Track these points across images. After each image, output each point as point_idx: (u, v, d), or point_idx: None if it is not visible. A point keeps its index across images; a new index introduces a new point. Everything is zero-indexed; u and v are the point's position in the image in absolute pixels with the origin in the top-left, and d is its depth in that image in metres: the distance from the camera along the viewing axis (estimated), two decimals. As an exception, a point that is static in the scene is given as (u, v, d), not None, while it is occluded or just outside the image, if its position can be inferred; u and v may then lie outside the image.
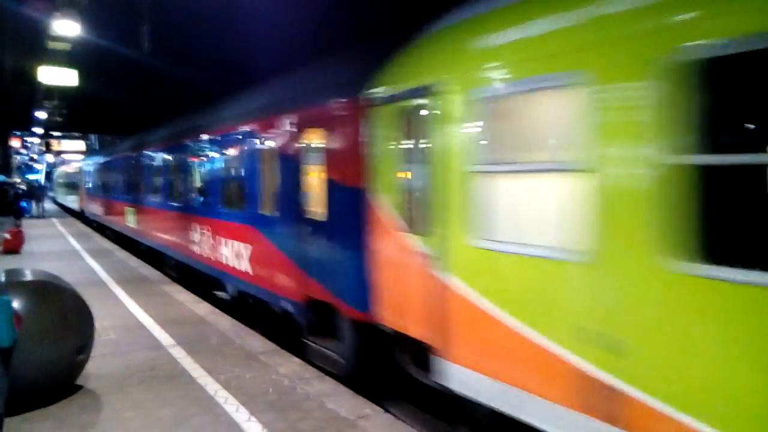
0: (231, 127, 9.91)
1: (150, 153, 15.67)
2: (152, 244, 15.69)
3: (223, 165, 10.59)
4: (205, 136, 11.25)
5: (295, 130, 7.67)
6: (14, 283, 5.94)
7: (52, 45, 13.31)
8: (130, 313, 9.85)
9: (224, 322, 9.34)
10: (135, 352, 7.62)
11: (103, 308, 9.85)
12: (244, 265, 9.34)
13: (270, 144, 8.52)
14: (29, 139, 66.86)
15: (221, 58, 14.64)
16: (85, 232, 26.20)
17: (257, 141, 8.90)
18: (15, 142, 62.00)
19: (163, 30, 11.65)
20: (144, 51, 12.00)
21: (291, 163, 7.79)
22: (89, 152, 51.31)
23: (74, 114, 27.57)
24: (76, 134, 57.09)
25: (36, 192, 39.65)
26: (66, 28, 11.38)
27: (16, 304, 5.48)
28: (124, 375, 6.70)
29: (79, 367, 6.23)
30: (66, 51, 13.90)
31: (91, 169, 29.91)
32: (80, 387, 6.26)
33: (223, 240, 10.24)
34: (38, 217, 35.02)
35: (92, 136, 59.44)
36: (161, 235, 14.56)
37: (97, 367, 6.79)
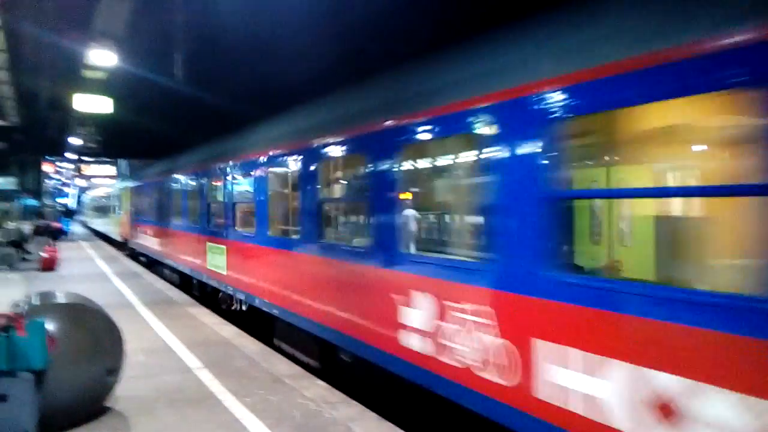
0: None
1: (285, 160, 9.10)
2: (270, 307, 9.61)
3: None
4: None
5: None
6: (48, 305, 6.08)
7: (88, 74, 13.75)
8: (157, 336, 9.96)
9: (250, 344, 9.38)
10: (163, 374, 7.69)
11: (132, 330, 9.94)
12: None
13: None
14: (61, 164, 68.63)
15: (252, 85, 14.90)
16: (113, 255, 26.65)
17: None
18: (47, 167, 63.77)
19: (196, 59, 11.96)
20: (177, 79, 12.29)
21: None
22: (119, 177, 52.41)
23: (108, 140, 28.21)
24: (107, 159, 58.50)
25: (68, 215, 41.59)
26: (102, 57, 11.75)
27: (50, 326, 5.60)
28: (153, 397, 6.76)
29: (109, 388, 6.29)
30: (101, 80, 14.34)
31: (142, 190, 22.34)
32: (109, 409, 6.32)
33: (548, 348, 4.32)
34: (67, 239, 35.89)
35: (123, 162, 60.78)
36: (298, 297, 8.52)
37: (126, 389, 6.83)
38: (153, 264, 20.25)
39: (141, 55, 12.34)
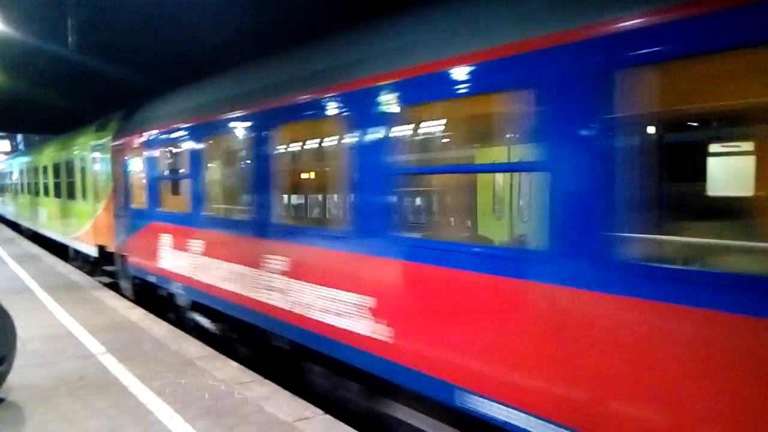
0: None
1: None
2: None
3: None
4: None
5: None
6: (-74, 292, 5.46)
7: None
8: (57, 321, 9.41)
9: (159, 327, 9.07)
10: (63, 361, 7.29)
11: (28, 316, 9.40)
12: None
13: None
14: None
15: (151, 54, 14.04)
16: (10, 237, 24.89)
17: None
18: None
19: (90, 26, 11.11)
20: (69, 47, 11.41)
21: None
22: (17, 152, 47.44)
23: (-3, 113, 25.85)
24: (1, 134, 54.31)
25: None
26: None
27: (-73, 314, 5.09)
28: (51, 386, 6.40)
29: (0, 379, 5.91)
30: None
31: (178, 145, 9.23)
32: (2, 400, 5.94)
33: None
34: None
35: (18, 136, 56.59)
36: None
37: (20, 379, 6.45)
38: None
39: (29, 19, 11.35)
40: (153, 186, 10.18)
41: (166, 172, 10.18)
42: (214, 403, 5.85)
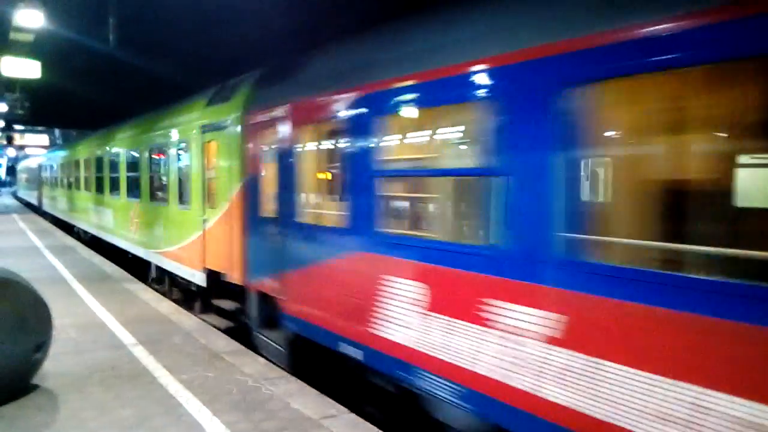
0: None
1: None
2: None
3: None
4: None
5: None
6: (-32, 279, 5.60)
7: (14, 36, 12.90)
8: (91, 311, 9.62)
9: (188, 321, 9.20)
10: (95, 351, 7.44)
11: (63, 306, 9.62)
12: None
13: None
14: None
15: (191, 51, 14.19)
16: (47, 228, 25.52)
17: None
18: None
19: (130, 22, 11.35)
20: (110, 44, 11.64)
21: None
22: (52, 146, 48.42)
23: (37, 107, 26.48)
24: (40, 128, 55.74)
25: None
26: (29, 18, 11.04)
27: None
28: (84, 374, 6.54)
29: (36, 365, 6.06)
30: (29, 42, 13.49)
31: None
32: (37, 386, 6.09)
33: None
34: None
35: (56, 131, 58.04)
36: None
37: (55, 366, 6.60)
38: None
39: (72, 16, 11.63)
40: (364, 189, 5.61)
41: (410, 165, 6.34)
42: (241, 398, 5.91)
